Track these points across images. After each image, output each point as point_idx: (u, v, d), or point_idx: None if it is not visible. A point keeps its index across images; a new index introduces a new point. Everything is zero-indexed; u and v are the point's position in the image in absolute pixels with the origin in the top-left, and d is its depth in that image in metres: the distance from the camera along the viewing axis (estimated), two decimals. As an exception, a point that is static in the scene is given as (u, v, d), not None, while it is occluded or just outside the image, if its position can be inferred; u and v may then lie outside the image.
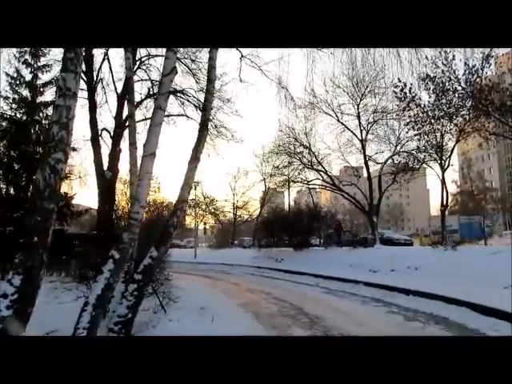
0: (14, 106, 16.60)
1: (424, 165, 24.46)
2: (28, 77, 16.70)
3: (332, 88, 25.05)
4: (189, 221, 54.62)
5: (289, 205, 35.07)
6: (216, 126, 14.40)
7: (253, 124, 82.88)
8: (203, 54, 13.07)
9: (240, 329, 6.74)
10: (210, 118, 14.06)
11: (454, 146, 22.04)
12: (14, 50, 14.84)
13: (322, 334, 6.52)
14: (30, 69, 16.61)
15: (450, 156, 22.18)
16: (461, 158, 56.76)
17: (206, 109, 6.91)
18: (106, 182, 12.71)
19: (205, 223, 53.49)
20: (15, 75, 16.46)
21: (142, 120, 13.07)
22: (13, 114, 16.47)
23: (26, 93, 16.91)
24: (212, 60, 7.16)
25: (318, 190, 36.27)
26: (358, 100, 24.96)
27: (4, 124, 16.40)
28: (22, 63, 16.46)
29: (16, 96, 16.62)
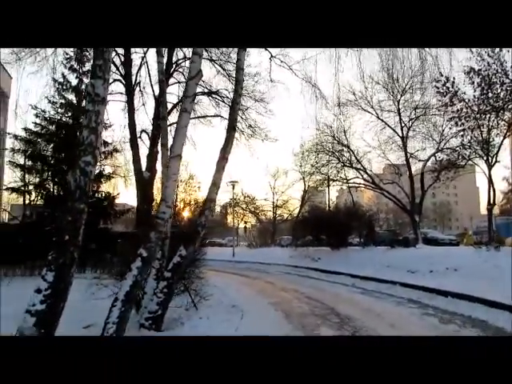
0: (60, 110, 17.53)
1: (471, 162, 23.49)
2: (74, 82, 17.59)
3: (371, 84, 24.63)
4: (230, 220, 55.69)
5: (328, 203, 34.78)
6: (251, 126, 14.53)
7: (292, 123, 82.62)
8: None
9: (268, 327, 6.81)
10: (244, 118, 14.31)
11: (502, 142, 20.88)
12: (61, 57, 15.65)
13: (350, 334, 6.47)
14: (75, 74, 17.48)
15: (497, 152, 21.09)
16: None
17: (233, 109, 7.03)
18: (145, 182, 13.16)
19: (245, 222, 54.11)
20: (62, 80, 17.37)
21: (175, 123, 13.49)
22: (59, 117, 17.37)
23: (71, 97, 17.82)
24: (239, 61, 7.28)
25: (359, 188, 35.61)
26: (399, 96, 24.34)
27: (52, 127, 17.35)
28: (69, 69, 17.35)
29: (63, 101, 17.54)
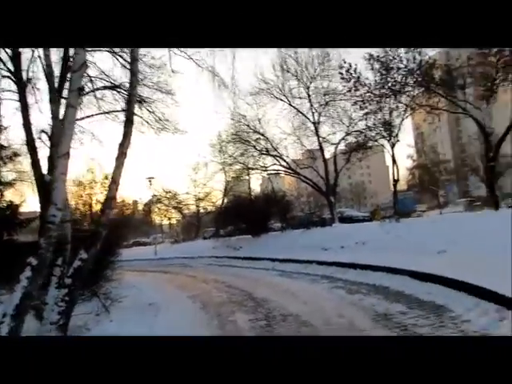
0: None
1: (377, 143, 25.15)
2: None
3: (281, 73, 25.30)
4: (155, 217, 54.20)
5: (250, 192, 35.19)
6: (160, 120, 14.11)
7: (207, 114, 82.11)
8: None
9: (184, 321, 6.76)
10: (151, 111, 13.86)
11: (401, 123, 22.60)
12: None
13: (264, 315, 6.64)
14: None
15: (397, 133, 22.82)
16: (415, 133, 58.66)
17: (130, 102, 6.77)
18: (47, 186, 12.23)
19: (169, 218, 53.05)
20: None
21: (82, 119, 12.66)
22: None
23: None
24: (134, 52, 7.01)
25: (280, 175, 36.50)
26: (308, 83, 25.28)
27: None
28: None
29: None
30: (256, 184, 47.83)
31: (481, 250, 7.76)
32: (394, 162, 23.50)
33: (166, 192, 46.04)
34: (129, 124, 6.63)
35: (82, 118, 11.99)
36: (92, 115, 12.60)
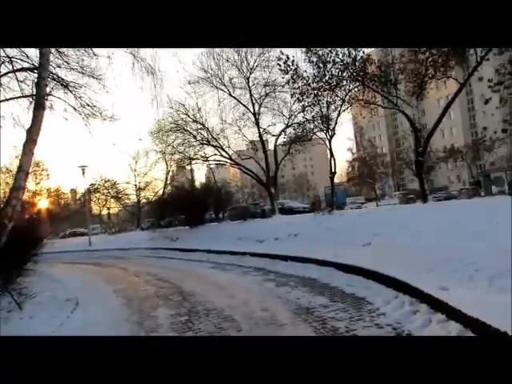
0: None
1: (318, 135, 25.61)
2: None
3: (221, 62, 24.92)
4: (93, 207, 51.92)
5: (192, 182, 34.60)
6: (88, 105, 13.32)
7: (146, 102, 79.84)
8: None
9: (101, 318, 6.41)
10: (78, 96, 13.03)
11: (338, 116, 23.14)
12: None
13: (187, 311, 6.47)
14: None
15: (334, 126, 23.35)
16: (355, 127, 60.55)
17: (39, 85, 6.23)
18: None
19: (108, 208, 51.16)
20: None
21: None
22: None
23: None
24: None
25: (225, 166, 36.19)
26: (248, 73, 25.11)
27: None
28: None
29: None
30: (201, 174, 47.23)
31: (401, 242, 8.07)
32: (332, 154, 24.10)
33: (105, 181, 44.37)
34: (38, 108, 6.13)
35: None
36: (7, 99, 11.58)
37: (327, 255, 8.94)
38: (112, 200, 47.67)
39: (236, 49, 24.42)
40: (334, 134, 22.64)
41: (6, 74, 11.08)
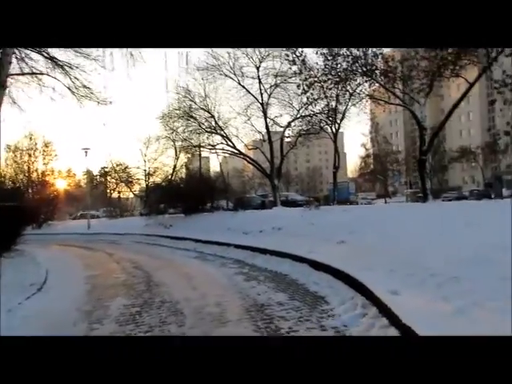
0: None
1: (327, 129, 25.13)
2: None
3: (232, 49, 24.50)
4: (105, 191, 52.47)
5: (200, 170, 34.50)
6: (85, 87, 13.24)
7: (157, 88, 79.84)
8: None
9: (56, 304, 6.33)
10: (73, 77, 12.96)
11: (345, 110, 22.68)
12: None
13: (142, 302, 6.34)
14: None
15: (341, 120, 22.90)
16: (371, 123, 59.63)
17: (1, 64, 6.09)
18: None
19: (119, 192, 51.52)
20: None
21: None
22: None
23: None
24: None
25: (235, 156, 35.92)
26: (258, 63, 24.65)
27: None
28: None
29: None
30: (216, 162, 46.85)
31: (373, 241, 7.79)
32: (336, 149, 23.69)
33: (117, 165, 44.63)
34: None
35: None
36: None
37: (303, 251, 8.70)
38: (123, 184, 47.97)
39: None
40: (339, 128, 22.32)
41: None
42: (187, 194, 18.91)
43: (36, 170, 34.34)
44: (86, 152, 26.48)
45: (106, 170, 47.16)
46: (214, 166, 40.95)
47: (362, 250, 7.44)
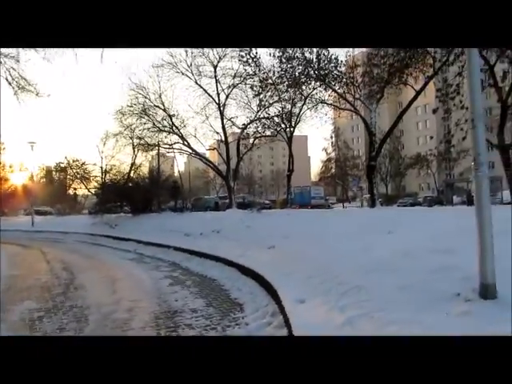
0: None
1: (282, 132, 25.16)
2: None
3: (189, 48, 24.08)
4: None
5: (159, 170, 33.71)
6: (23, 78, 12.63)
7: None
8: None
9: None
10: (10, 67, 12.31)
11: (300, 114, 22.81)
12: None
13: (54, 304, 6.00)
14: None
15: (295, 123, 23.01)
16: (332, 127, 60.54)
17: None
18: None
19: (75, 189, 49.84)
20: None
21: None
22: None
23: None
24: None
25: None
26: (216, 62, 24.36)
27: None
28: None
29: None
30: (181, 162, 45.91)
31: (302, 246, 7.75)
32: (291, 153, 23.77)
33: (73, 161, 43.10)
34: None
35: None
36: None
37: (234, 255, 8.56)
38: (78, 181, 46.40)
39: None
40: (294, 131, 22.38)
41: None
42: (135, 194, 18.42)
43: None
44: (31, 146, 25.36)
45: (61, 165, 45.47)
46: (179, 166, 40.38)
47: (289, 255, 7.37)
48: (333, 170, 58.93)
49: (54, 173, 50.69)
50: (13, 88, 12.54)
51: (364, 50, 19.90)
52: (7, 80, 12.42)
